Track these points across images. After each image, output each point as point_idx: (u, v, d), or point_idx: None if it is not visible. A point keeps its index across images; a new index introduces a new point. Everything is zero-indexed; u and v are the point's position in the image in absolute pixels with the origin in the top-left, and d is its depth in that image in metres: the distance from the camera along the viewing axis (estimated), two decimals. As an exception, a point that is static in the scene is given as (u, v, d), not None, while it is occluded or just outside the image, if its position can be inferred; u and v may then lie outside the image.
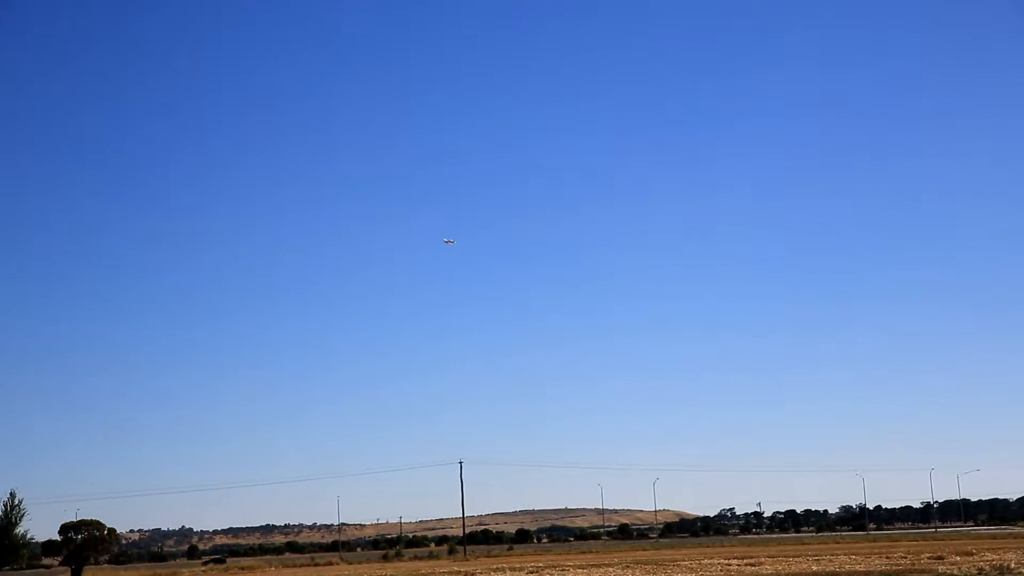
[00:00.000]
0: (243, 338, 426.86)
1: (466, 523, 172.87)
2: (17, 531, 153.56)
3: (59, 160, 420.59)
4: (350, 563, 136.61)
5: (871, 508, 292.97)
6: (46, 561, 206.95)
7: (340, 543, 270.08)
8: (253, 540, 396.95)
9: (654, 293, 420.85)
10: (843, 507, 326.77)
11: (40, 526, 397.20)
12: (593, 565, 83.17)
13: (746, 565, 69.43)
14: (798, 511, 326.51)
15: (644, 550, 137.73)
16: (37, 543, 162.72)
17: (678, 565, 74.25)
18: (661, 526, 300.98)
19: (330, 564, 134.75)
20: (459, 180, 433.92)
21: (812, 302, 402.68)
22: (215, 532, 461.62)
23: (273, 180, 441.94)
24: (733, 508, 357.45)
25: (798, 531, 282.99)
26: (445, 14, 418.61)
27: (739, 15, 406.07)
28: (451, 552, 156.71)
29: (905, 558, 73.75)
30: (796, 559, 77.85)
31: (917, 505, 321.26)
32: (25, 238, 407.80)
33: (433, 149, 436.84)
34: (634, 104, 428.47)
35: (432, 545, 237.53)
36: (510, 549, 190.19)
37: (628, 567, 75.51)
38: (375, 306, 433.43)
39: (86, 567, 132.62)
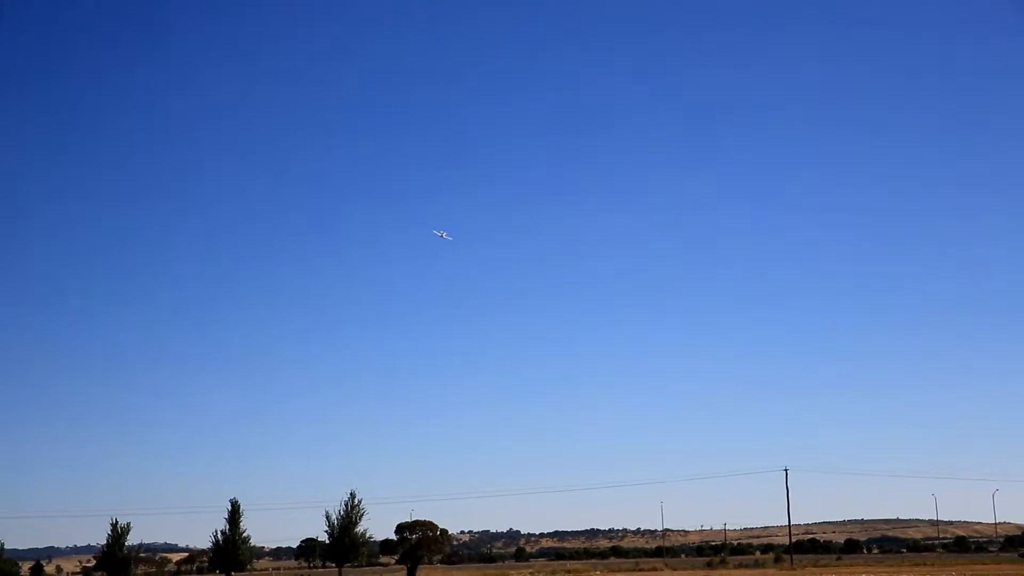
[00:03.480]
0: (569, 342, 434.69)
1: (792, 531, 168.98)
2: (357, 530, 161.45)
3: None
4: (674, 569, 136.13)
5: None
6: (383, 559, 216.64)
7: (664, 549, 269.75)
8: (578, 544, 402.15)
9: None
10: None
11: (378, 526, 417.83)
12: (928, 577, 79.52)
13: (1099, 582, 64.51)
14: None
15: (983, 563, 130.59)
16: (375, 542, 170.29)
17: (1022, 580, 69.87)
18: (1002, 539, 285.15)
19: (654, 570, 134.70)
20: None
21: None
22: (541, 535, 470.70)
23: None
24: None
25: None
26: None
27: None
28: (777, 560, 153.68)
29: None
30: None
31: None
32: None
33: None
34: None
35: (757, 553, 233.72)
36: (838, 559, 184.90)
37: (966, 581, 71.70)
38: (707, 307, 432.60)
39: (420, 566, 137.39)
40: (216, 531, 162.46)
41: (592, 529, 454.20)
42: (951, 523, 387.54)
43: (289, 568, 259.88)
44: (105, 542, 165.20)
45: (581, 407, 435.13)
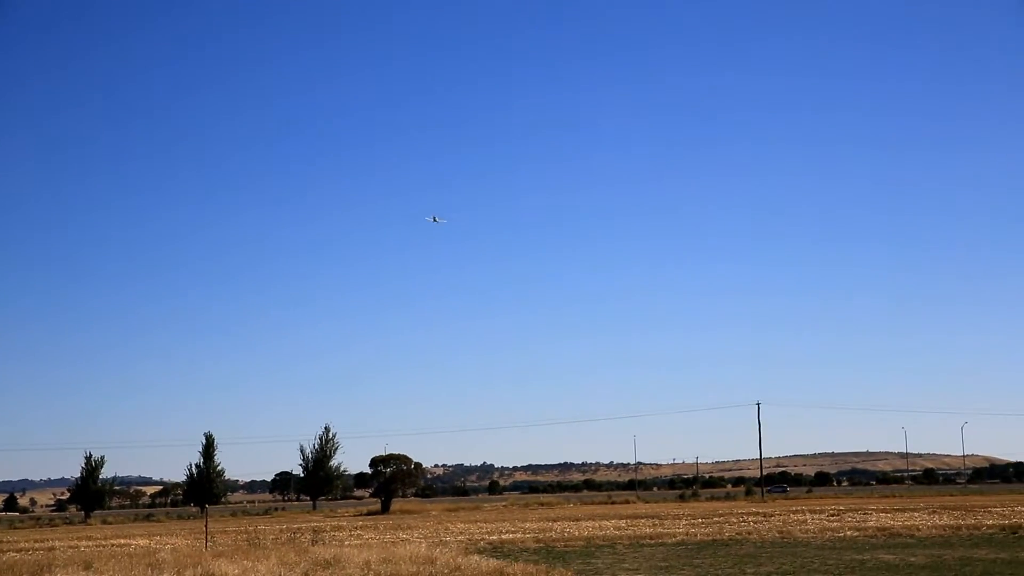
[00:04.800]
0: (547, 281, 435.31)
1: (763, 465, 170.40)
2: (332, 463, 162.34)
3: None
4: (647, 502, 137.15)
5: None
6: (358, 492, 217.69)
7: (636, 482, 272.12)
8: (551, 477, 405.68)
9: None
10: None
11: (352, 459, 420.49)
12: (897, 509, 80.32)
13: (1065, 513, 65.32)
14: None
15: (951, 495, 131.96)
16: (350, 475, 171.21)
17: (989, 511, 70.65)
18: (970, 471, 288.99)
19: (627, 503, 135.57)
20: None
21: None
22: (515, 468, 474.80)
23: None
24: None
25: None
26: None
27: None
28: (748, 494, 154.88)
29: None
30: (1122, 508, 72.73)
31: None
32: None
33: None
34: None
35: (729, 486, 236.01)
36: (809, 492, 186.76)
37: (935, 512, 72.47)
38: (678, 243, 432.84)
39: (394, 499, 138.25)
40: (190, 464, 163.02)
41: (565, 463, 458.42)
42: (920, 456, 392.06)
43: (263, 501, 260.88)
44: (79, 475, 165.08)
45: (554, 342, 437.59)
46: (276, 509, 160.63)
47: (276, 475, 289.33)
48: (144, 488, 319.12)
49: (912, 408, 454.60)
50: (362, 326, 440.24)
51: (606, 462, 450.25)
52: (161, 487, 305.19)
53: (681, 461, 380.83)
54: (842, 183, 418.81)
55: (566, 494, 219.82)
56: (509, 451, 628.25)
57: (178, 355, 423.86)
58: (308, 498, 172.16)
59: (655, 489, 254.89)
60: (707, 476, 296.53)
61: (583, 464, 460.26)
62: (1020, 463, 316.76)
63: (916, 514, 69.82)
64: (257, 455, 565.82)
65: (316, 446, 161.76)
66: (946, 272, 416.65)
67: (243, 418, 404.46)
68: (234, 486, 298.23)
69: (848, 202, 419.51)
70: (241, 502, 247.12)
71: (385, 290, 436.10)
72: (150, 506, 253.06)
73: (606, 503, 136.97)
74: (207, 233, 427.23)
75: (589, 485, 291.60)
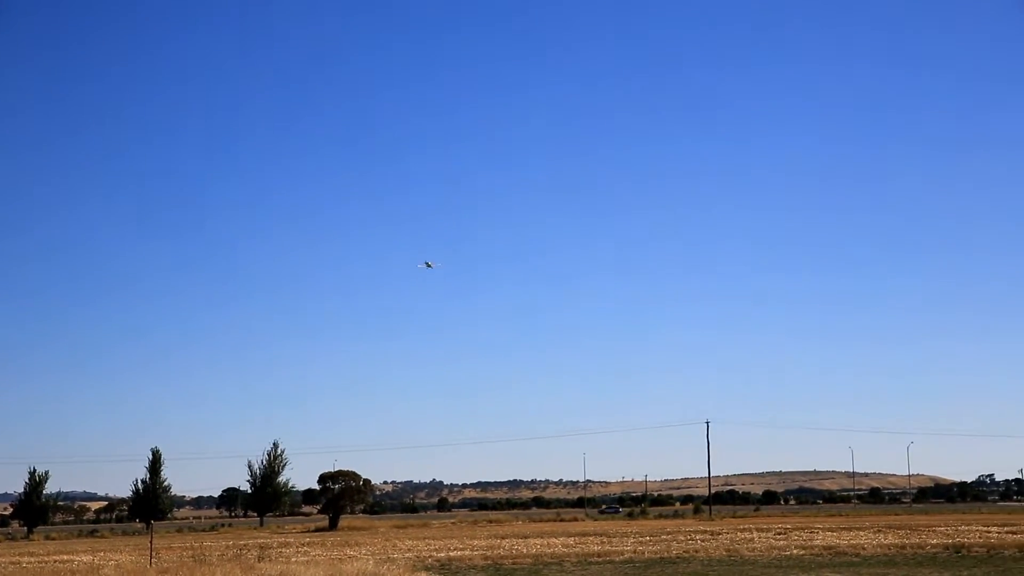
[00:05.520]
0: (494, 295, 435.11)
1: (712, 483, 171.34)
2: (280, 479, 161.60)
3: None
4: (595, 520, 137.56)
5: None
6: (306, 509, 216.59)
7: (585, 499, 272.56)
8: (501, 494, 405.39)
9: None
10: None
11: (300, 476, 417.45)
12: (843, 528, 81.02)
13: (1007, 532, 66.05)
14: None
15: (896, 514, 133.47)
16: (298, 491, 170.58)
17: (934, 531, 71.41)
18: (915, 491, 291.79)
19: (575, 520, 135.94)
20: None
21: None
22: (464, 485, 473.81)
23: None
24: (992, 474, 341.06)
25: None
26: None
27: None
28: (696, 512, 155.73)
29: None
30: (1063, 528, 73.55)
31: None
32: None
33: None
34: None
35: (677, 504, 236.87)
36: (757, 510, 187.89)
37: (880, 531, 73.15)
38: (618, 261, 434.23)
39: (342, 515, 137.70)
40: (136, 480, 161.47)
41: (515, 480, 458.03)
42: (867, 475, 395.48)
43: (210, 517, 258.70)
44: (23, 490, 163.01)
45: (504, 359, 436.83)
46: (223, 525, 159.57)
47: (223, 491, 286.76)
48: (89, 504, 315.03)
49: (859, 428, 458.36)
50: (311, 342, 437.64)
51: (555, 479, 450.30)
52: (106, 503, 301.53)
53: (630, 479, 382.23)
54: (783, 212, 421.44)
55: (515, 511, 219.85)
56: (459, 468, 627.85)
57: (125, 370, 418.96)
58: (256, 514, 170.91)
59: (604, 507, 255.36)
60: (656, 494, 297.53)
61: (533, 481, 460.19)
62: (964, 483, 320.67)
63: (862, 533, 70.45)
64: (204, 471, 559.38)
65: (264, 462, 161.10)
66: (891, 295, 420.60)
67: (191, 434, 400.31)
68: (180, 502, 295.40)
69: (793, 226, 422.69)
70: (187, 518, 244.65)
71: (333, 306, 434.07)
72: (95, 522, 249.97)
73: (555, 520, 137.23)
74: (157, 251, 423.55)
75: (538, 502, 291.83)
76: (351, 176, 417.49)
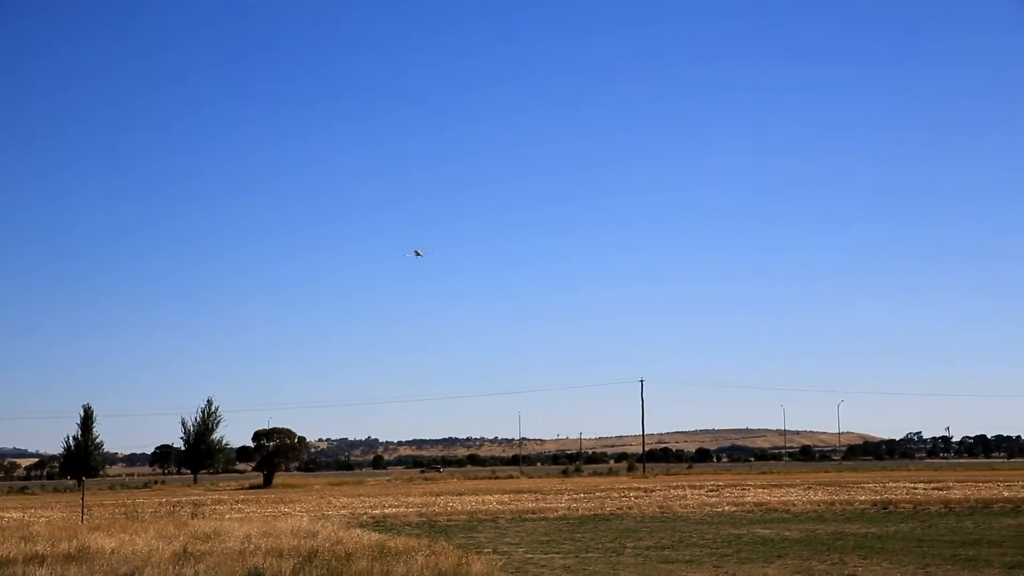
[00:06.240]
0: (431, 255, 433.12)
1: (646, 441, 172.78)
2: (214, 437, 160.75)
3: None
4: (530, 477, 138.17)
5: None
6: (240, 466, 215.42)
7: (520, 457, 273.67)
8: (436, 452, 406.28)
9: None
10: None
11: (235, 433, 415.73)
12: (774, 485, 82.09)
13: (933, 489, 67.30)
14: (988, 436, 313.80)
15: (826, 472, 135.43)
16: (232, 448, 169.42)
17: (862, 487, 72.61)
18: (844, 448, 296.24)
19: (511, 478, 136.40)
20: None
21: None
22: (400, 443, 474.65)
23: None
24: (920, 432, 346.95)
25: (988, 457, 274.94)
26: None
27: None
28: (630, 469, 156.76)
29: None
30: (985, 484, 74.99)
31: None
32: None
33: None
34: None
35: (611, 462, 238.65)
36: (690, 467, 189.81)
37: (810, 488, 74.24)
38: (553, 220, 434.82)
39: (277, 472, 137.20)
40: (68, 436, 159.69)
41: (450, 438, 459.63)
42: (797, 433, 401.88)
43: (143, 474, 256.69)
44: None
45: (440, 318, 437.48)
46: (156, 482, 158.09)
47: (156, 448, 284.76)
48: (19, 460, 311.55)
49: (790, 386, 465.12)
50: (246, 299, 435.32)
51: (491, 437, 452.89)
52: (37, 459, 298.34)
53: (565, 437, 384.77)
54: (718, 174, 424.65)
55: (450, 468, 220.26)
56: (394, 426, 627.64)
57: (57, 326, 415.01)
58: (189, 472, 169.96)
59: (539, 464, 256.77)
60: (590, 452, 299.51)
61: (468, 439, 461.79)
62: (893, 440, 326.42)
63: (792, 490, 71.42)
64: (137, 428, 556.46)
65: (198, 419, 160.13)
66: (822, 254, 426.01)
67: (123, 390, 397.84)
68: (113, 459, 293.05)
69: (727, 187, 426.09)
70: (120, 475, 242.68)
71: (269, 263, 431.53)
72: (25, 479, 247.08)
73: (490, 478, 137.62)
74: (90, 206, 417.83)
75: (473, 460, 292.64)
76: (290, 142, 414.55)
